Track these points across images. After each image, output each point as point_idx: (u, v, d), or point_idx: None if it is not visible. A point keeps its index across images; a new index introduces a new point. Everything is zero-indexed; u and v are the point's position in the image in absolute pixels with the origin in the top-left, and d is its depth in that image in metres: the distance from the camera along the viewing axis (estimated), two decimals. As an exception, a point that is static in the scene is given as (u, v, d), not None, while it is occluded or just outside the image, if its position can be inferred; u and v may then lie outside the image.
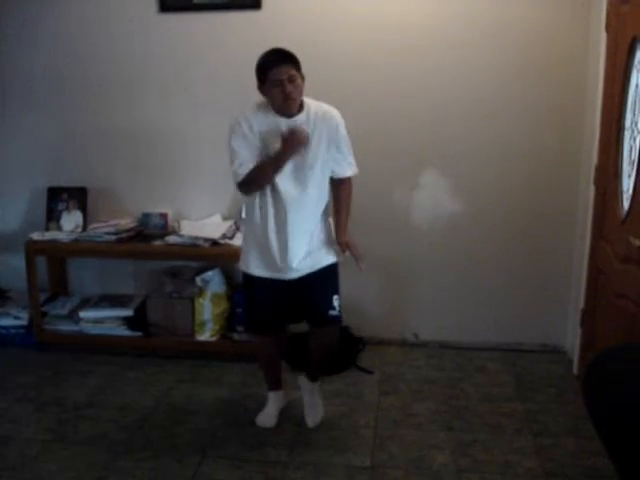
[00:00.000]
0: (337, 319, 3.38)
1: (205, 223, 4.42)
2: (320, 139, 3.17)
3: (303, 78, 3.11)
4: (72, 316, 4.52)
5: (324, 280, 3.34)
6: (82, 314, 4.47)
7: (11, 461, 3.22)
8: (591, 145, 3.88)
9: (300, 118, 3.15)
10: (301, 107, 3.16)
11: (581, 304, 4.02)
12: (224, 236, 4.24)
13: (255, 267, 3.31)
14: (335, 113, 3.24)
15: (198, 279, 4.38)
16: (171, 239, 4.28)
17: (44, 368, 4.25)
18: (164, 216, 4.47)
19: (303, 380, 3.64)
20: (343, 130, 3.27)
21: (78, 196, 4.56)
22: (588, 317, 3.93)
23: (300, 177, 3.18)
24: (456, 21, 4.12)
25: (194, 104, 4.43)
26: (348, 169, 3.34)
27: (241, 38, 4.24)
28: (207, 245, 4.21)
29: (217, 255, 4.25)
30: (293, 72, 3.03)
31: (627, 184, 3.33)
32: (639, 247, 3.01)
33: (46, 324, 4.50)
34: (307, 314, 3.43)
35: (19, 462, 3.21)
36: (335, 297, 3.35)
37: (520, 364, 4.27)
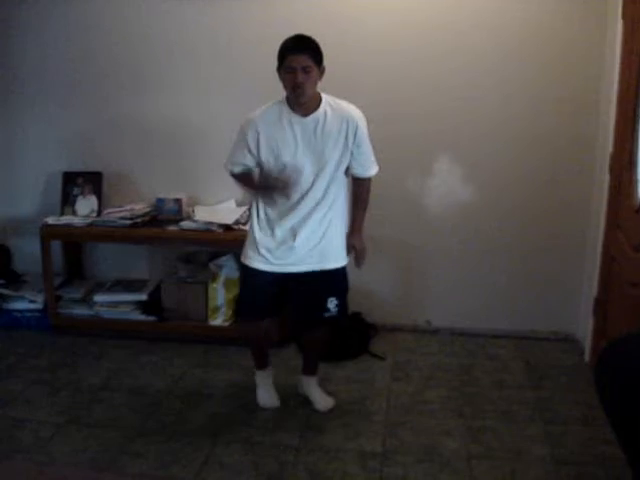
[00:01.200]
0: (332, 319, 3.40)
1: (219, 209, 4.44)
2: (336, 140, 3.13)
3: (322, 71, 3.06)
4: (87, 300, 4.55)
5: (325, 282, 3.34)
6: (97, 298, 4.50)
7: (25, 443, 3.25)
8: (606, 133, 3.86)
9: (314, 117, 3.11)
10: (318, 105, 3.12)
11: (594, 292, 4.01)
12: (238, 222, 4.26)
13: (255, 260, 3.30)
14: (355, 113, 3.17)
15: (212, 264, 4.40)
16: (185, 224, 4.29)
17: (59, 351, 4.28)
18: (178, 201, 4.48)
19: (302, 380, 3.65)
20: (364, 130, 3.19)
21: (93, 181, 4.58)
22: (600, 305, 3.92)
23: (310, 177, 3.16)
24: (470, 5, 4.10)
25: (208, 89, 4.43)
26: (370, 169, 3.31)
27: (255, 21, 4.23)
28: (221, 230, 4.23)
29: (231, 240, 4.25)
30: (309, 63, 2.97)
31: (642, 173, 3.32)
32: (653, 236, 3.00)
33: (61, 308, 4.53)
34: (298, 311, 3.48)
35: (33, 444, 3.25)
36: (330, 299, 3.33)
37: (532, 352, 4.27)
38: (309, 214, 3.20)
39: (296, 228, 3.21)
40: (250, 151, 3.17)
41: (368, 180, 3.35)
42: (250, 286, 3.43)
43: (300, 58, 2.96)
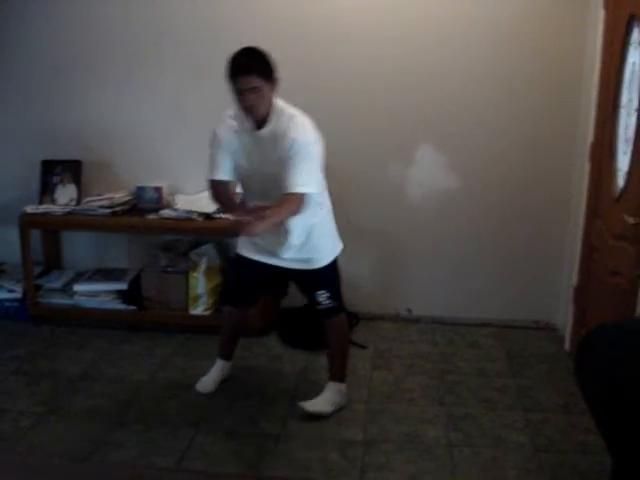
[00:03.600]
0: (330, 311, 3.40)
1: (200, 197, 4.41)
2: (282, 153, 3.06)
3: (275, 84, 3.02)
4: (66, 289, 4.52)
5: (312, 279, 3.36)
6: (76, 287, 4.47)
7: (5, 433, 3.23)
8: (587, 122, 3.87)
9: (263, 133, 3.08)
10: (272, 117, 3.07)
11: (574, 281, 4.04)
12: (219, 210, 4.24)
13: (246, 250, 3.37)
14: (294, 133, 3.03)
15: (192, 253, 4.38)
16: (165, 213, 4.27)
17: (38, 341, 4.26)
18: (159, 190, 4.45)
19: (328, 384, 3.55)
20: (299, 148, 3.02)
21: (72, 169, 4.54)
22: (580, 294, 3.95)
23: (267, 190, 3.16)
24: (453, -4, 4.10)
25: (191, 77, 4.40)
26: (293, 187, 3.02)
27: (233, 11, 4.21)
28: (202, 219, 4.21)
29: (211, 229, 4.24)
30: (257, 83, 2.93)
31: (622, 162, 3.33)
32: (633, 224, 3.01)
33: (40, 297, 4.50)
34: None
35: (13, 434, 3.23)
36: (320, 292, 3.34)
37: (512, 340, 4.30)
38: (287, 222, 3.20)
39: (279, 232, 3.20)
40: (221, 149, 3.17)
41: (290, 197, 3.05)
42: (237, 273, 3.51)
43: (246, 79, 2.93)
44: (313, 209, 3.18)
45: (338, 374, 3.50)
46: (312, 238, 3.26)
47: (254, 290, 3.56)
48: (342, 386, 3.49)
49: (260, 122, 3.08)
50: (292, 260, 3.30)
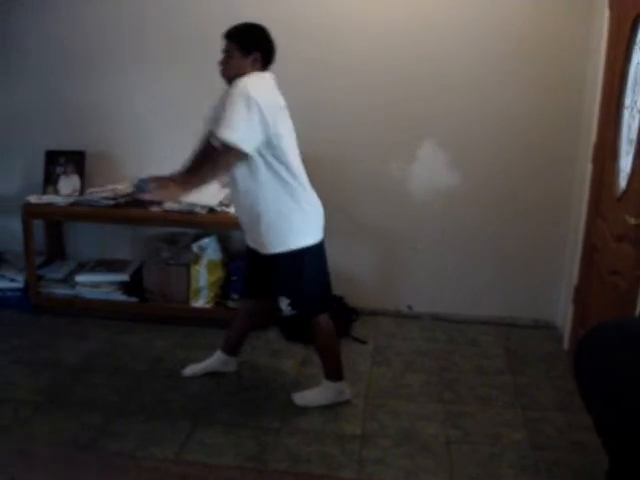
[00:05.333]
0: (291, 318, 3.42)
1: (203, 190, 4.40)
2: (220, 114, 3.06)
3: (247, 55, 3.11)
4: (68, 280, 4.53)
5: (273, 272, 3.29)
6: (78, 278, 4.48)
7: (5, 422, 3.25)
8: (590, 123, 3.88)
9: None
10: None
11: (574, 281, 4.05)
12: (221, 204, 4.25)
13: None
14: (234, 87, 3.03)
15: (194, 246, 4.39)
16: (168, 205, 4.27)
17: (39, 331, 4.27)
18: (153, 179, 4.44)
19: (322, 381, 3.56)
20: (231, 95, 3.00)
21: (76, 160, 4.55)
22: (580, 293, 3.96)
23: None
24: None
25: (193, 68, 4.38)
26: (217, 128, 2.99)
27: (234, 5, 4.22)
28: (204, 212, 4.22)
29: (214, 222, 4.26)
30: (228, 48, 3.14)
31: (625, 163, 3.33)
32: (634, 225, 3.02)
33: (42, 287, 4.51)
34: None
35: (13, 423, 3.24)
36: (281, 298, 3.30)
37: (512, 338, 4.31)
38: (235, 198, 3.29)
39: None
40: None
41: (210, 146, 3.08)
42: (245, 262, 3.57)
43: (225, 43, 3.16)
44: (263, 188, 3.11)
45: (329, 373, 3.48)
46: (261, 222, 3.18)
47: (257, 279, 3.48)
48: (337, 385, 3.47)
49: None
50: (252, 240, 3.33)
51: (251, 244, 3.36)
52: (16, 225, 4.41)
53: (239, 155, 3.02)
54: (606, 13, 3.67)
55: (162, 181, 3.19)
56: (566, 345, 4.16)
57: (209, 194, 4.31)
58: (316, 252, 3.28)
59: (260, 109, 2.97)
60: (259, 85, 3.07)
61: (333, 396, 3.47)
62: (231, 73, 3.12)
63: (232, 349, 3.73)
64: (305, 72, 4.10)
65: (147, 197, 3.28)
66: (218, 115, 3.03)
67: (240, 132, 2.97)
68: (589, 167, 3.84)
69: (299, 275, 3.25)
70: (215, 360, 3.73)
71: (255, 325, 3.78)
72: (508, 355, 4.08)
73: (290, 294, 3.29)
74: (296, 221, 3.19)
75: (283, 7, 4.15)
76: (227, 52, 3.14)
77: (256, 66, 3.13)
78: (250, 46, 3.12)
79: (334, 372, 3.47)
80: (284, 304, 3.30)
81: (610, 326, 2.23)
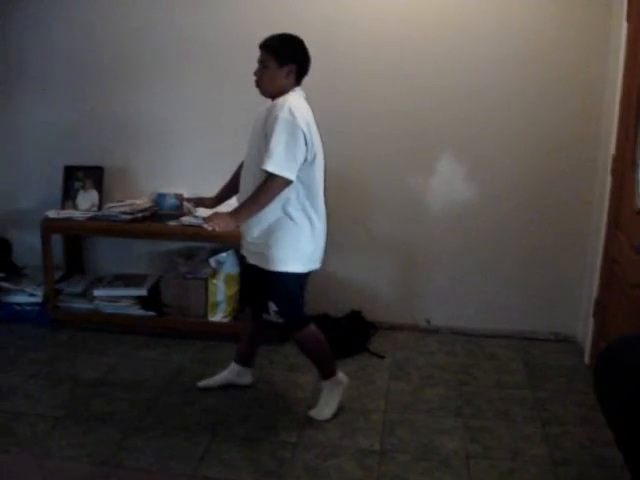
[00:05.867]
0: (276, 324, 3.39)
1: (220, 205, 4.42)
2: (260, 132, 3.14)
3: (284, 66, 3.13)
4: (86, 294, 4.55)
5: (266, 284, 3.30)
6: (96, 292, 4.50)
7: (23, 436, 3.25)
8: (609, 135, 3.85)
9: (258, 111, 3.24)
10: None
11: (594, 294, 4.01)
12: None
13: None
14: (279, 109, 3.06)
15: (212, 260, 4.39)
16: (186, 220, 4.28)
17: (58, 345, 4.28)
18: (179, 197, 4.47)
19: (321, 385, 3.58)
20: (275, 121, 3.03)
21: (94, 175, 4.58)
22: (601, 307, 3.92)
23: (246, 167, 3.29)
24: (474, 4, 4.10)
25: (213, 83, 4.42)
26: (263, 162, 3.05)
27: (247, 17, 4.26)
28: (221, 227, 4.22)
29: (231, 237, 4.24)
30: (264, 58, 3.15)
31: (644, 175, 3.31)
32: (654, 238, 3.00)
33: (60, 302, 4.53)
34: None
35: (31, 438, 3.24)
36: (270, 302, 3.30)
37: (531, 352, 4.27)
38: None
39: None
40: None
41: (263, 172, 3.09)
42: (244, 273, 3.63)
43: (260, 53, 3.17)
44: (279, 207, 3.18)
45: (325, 373, 3.48)
46: (270, 237, 3.21)
47: (254, 290, 3.47)
48: (334, 379, 3.48)
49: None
50: (252, 253, 3.33)
51: (249, 258, 3.38)
52: (35, 240, 4.45)
53: (286, 183, 3.08)
54: (624, 25, 3.65)
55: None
56: (587, 359, 4.12)
57: (226, 209, 4.32)
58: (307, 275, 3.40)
59: (304, 135, 3.08)
60: (301, 108, 3.14)
61: (337, 391, 3.49)
62: (266, 83, 3.17)
63: (244, 359, 3.71)
64: (321, 84, 4.10)
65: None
66: (260, 131, 3.13)
67: (286, 163, 3.05)
68: (608, 179, 3.82)
69: (289, 290, 3.31)
70: (230, 372, 3.72)
71: (261, 333, 3.74)
72: (528, 369, 4.05)
73: (279, 302, 3.30)
74: (306, 244, 3.26)
75: (302, 21, 4.16)
76: (262, 62, 3.15)
77: (290, 78, 3.17)
78: (286, 57, 3.14)
79: (328, 371, 3.48)
80: (272, 309, 3.30)
81: (631, 339, 2.20)
